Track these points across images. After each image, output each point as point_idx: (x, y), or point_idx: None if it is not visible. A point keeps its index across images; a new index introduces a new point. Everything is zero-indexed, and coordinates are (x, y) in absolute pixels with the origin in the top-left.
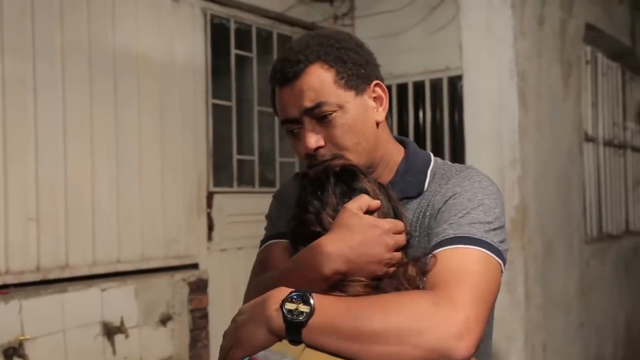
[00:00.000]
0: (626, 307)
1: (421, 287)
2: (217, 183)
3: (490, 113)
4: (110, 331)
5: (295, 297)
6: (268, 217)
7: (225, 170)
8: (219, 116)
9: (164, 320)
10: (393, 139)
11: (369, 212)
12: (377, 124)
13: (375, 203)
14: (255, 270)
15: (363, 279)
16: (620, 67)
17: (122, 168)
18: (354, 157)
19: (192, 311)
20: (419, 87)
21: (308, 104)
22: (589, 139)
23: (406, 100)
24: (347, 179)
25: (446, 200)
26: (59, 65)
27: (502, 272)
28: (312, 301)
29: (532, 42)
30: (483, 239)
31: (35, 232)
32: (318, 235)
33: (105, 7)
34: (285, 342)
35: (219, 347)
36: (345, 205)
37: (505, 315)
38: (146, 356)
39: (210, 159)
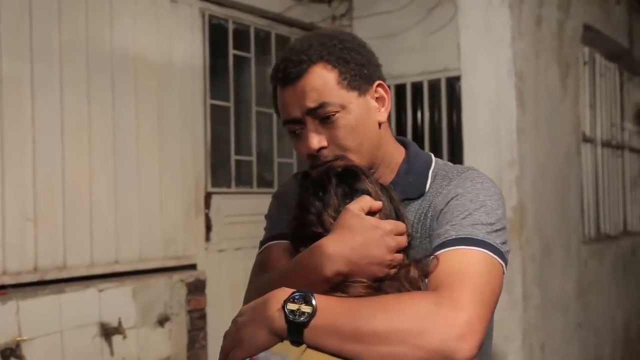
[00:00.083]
0: (624, 308)
1: (423, 288)
2: (215, 183)
3: (489, 113)
4: (108, 332)
5: (297, 297)
6: (268, 217)
7: (223, 170)
8: (217, 117)
9: (162, 321)
10: (394, 140)
11: (370, 213)
12: (379, 124)
13: (377, 204)
14: (255, 271)
15: (364, 280)
16: (618, 68)
17: (119, 168)
18: (357, 158)
19: (190, 312)
20: (417, 87)
21: (311, 104)
22: (586, 139)
23: (404, 100)
24: (349, 180)
25: (448, 202)
26: (57, 66)
27: (503, 273)
28: (314, 302)
29: (530, 43)
30: (485, 240)
31: (33, 233)
32: (319, 236)
33: (103, 8)
34: (286, 343)
35: (217, 348)
36: (347, 206)
37: (503, 316)
38: (144, 357)
39: (208, 160)
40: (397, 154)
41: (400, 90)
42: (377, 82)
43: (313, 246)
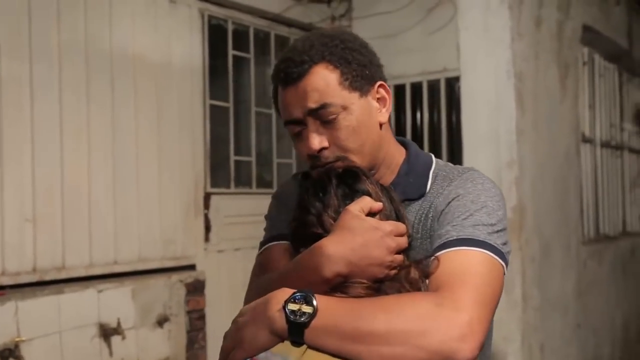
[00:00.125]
0: (623, 308)
1: (423, 289)
2: (214, 184)
3: (488, 114)
4: (107, 332)
5: (298, 297)
6: (267, 217)
7: (222, 171)
8: (217, 117)
9: (161, 322)
10: (395, 140)
11: (371, 214)
12: (380, 125)
13: (378, 205)
14: (256, 272)
15: (364, 281)
16: (617, 68)
17: (119, 169)
18: (358, 159)
19: (189, 312)
20: (416, 88)
21: (312, 105)
22: (586, 140)
23: (404, 101)
24: (350, 180)
25: (449, 202)
26: (56, 66)
27: (504, 274)
28: (315, 302)
29: (529, 44)
30: (486, 241)
31: (32, 233)
32: (319, 237)
33: (102, 8)
34: (286, 343)
35: (216, 349)
36: (347, 207)
37: (502, 317)
38: (143, 358)
39: (207, 160)
40: (397, 154)
41: (399, 90)
42: (378, 83)
43: (313, 247)
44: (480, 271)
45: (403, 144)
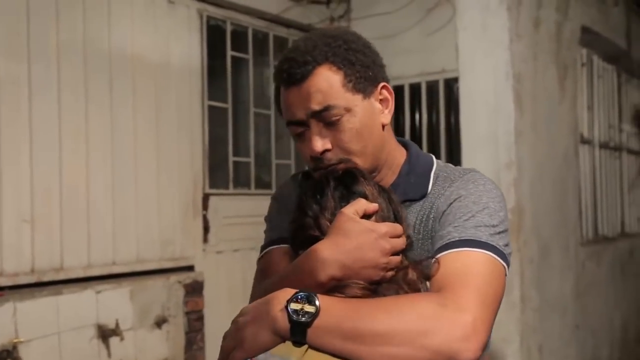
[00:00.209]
0: (622, 309)
1: (423, 290)
2: (212, 185)
3: (486, 115)
4: (105, 334)
5: (300, 297)
6: (267, 220)
7: (221, 172)
8: (215, 118)
9: (159, 323)
10: (396, 141)
11: (366, 216)
12: (383, 126)
13: (373, 207)
14: (258, 278)
15: (360, 282)
16: (615, 69)
17: (117, 169)
18: (361, 161)
19: (187, 313)
20: (415, 89)
21: (315, 106)
22: (584, 141)
23: (402, 102)
24: (347, 182)
25: (451, 203)
26: (54, 66)
27: (506, 275)
28: (317, 302)
29: (527, 45)
30: (488, 242)
31: (30, 234)
32: (317, 239)
33: (100, 8)
34: (287, 344)
35: (215, 350)
36: (342, 210)
37: (501, 318)
38: (141, 359)
39: (206, 161)
40: (398, 155)
41: (398, 91)
42: (381, 84)
43: (308, 251)
44: (482, 272)
45: (403, 144)
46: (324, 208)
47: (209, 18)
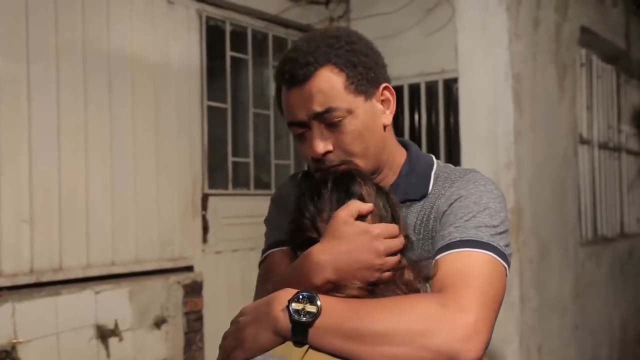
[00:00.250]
0: (621, 310)
1: (422, 290)
2: (212, 185)
3: (486, 115)
4: (104, 334)
5: (301, 297)
6: (267, 222)
7: (220, 172)
8: (214, 118)
9: (159, 323)
10: (396, 141)
11: (361, 216)
12: (384, 127)
13: (367, 207)
14: (260, 280)
15: (357, 282)
16: (615, 69)
17: (116, 170)
18: (362, 163)
19: (186, 314)
20: (414, 89)
21: (317, 108)
22: (584, 141)
23: (402, 102)
24: (344, 184)
25: (451, 203)
26: (54, 66)
27: (506, 275)
28: (319, 302)
29: (527, 45)
30: (490, 242)
31: (29, 234)
32: (315, 240)
33: (100, 8)
34: (287, 345)
35: (214, 350)
36: (336, 212)
37: (500, 318)
38: (140, 359)
39: (205, 161)
40: (399, 155)
41: (397, 91)
42: (383, 85)
43: (304, 254)
44: (484, 272)
45: (403, 144)
46: (321, 210)
47: (208, 18)
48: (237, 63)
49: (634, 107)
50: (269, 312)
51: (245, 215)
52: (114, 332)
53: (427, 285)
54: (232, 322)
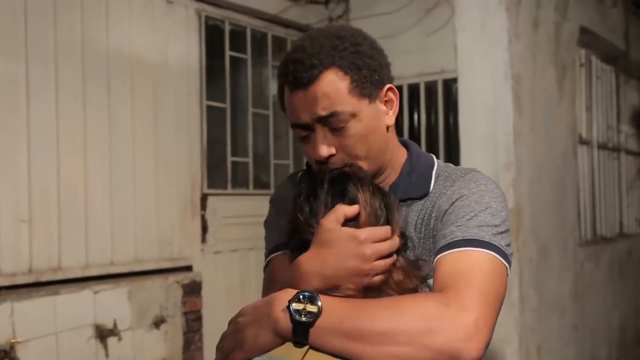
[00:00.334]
0: (620, 310)
1: (420, 290)
2: (211, 185)
3: (485, 116)
4: (103, 334)
5: (302, 297)
6: (266, 225)
7: (219, 172)
8: (213, 118)
9: (157, 323)
10: (397, 140)
11: (350, 220)
12: (387, 128)
13: (352, 210)
14: (265, 286)
15: (351, 286)
16: (614, 70)
17: (115, 170)
18: (366, 165)
19: (185, 314)
20: (413, 89)
21: (322, 112)
22: (583, 141)
23: (401, 102)
24: (340, 185)
25: (453, 202)
26: (52, 67)
27: (507, 275)
28: (319, 302)
29: (526, 45)
30: (491, 242)
31: (28, 234)
32: (310, 243)
33: (98, 8)
34: (287, 346)
35: (213, 350)
36: (321, 220)
37: (500, 318)
38: (139, 359)
39: (204, 161)
40: (400, 154)
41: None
42: (387, 86)
43: (294, 263)
44: (485, 272)
45: (404, 144)
46: (315, 213)
47: (207, 18)
48: (236, 63)
49: (633, 107)
50: (269, 312)
51: (245, 215)
52: (113, 331)
53: (425, 285)
54: (231, 323)
